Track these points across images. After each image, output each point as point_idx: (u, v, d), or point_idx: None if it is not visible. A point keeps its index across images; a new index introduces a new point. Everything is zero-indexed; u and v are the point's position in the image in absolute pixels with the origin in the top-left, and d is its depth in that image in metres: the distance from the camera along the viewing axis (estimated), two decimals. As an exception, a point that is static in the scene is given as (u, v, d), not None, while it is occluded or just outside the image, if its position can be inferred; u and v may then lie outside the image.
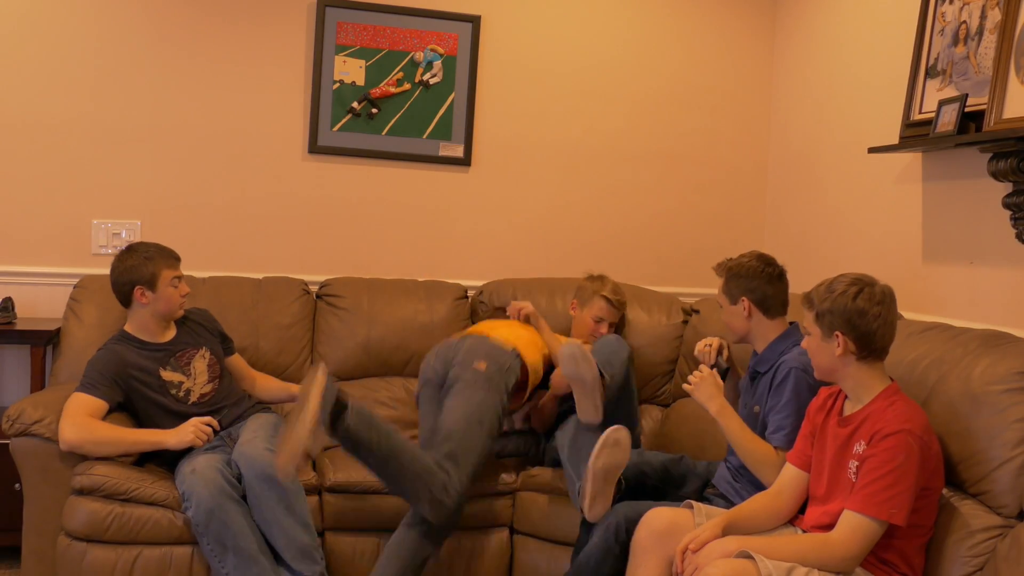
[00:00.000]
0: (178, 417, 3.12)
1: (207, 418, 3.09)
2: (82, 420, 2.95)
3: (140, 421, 3.16)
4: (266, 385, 3.53)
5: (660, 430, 3.74)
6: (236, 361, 3.45)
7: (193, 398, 3.19)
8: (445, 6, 4.08)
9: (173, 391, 3.17)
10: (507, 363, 3.22)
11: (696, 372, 2.82)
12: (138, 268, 3.15)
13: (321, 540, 3.08)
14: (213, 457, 2.96)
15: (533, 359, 3.38)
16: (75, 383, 3.32)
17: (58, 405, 3.02)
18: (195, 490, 2.85)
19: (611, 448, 2.77)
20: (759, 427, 2.79)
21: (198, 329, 3.33)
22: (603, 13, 4.25)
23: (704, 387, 2.79)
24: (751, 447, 2.70)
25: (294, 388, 3.48)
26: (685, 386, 2.83)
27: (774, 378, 2.77)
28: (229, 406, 3.25)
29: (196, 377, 3.22)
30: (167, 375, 3.17)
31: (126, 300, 3.19)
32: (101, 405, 3.02)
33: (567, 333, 3.75)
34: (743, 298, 2.85)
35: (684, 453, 3.17)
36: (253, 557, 2.84)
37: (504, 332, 3.40)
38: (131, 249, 3.21)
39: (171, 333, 3.26)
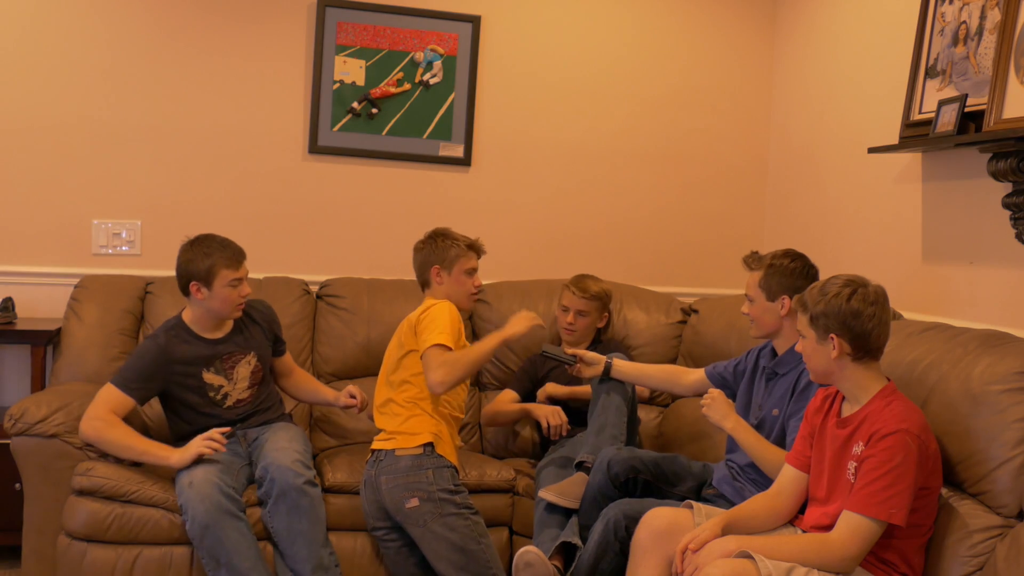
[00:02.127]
0: (208, 418, 3.11)
1: (217, 431, 2.99)
2: (103, 415, 2.95)
3: (169, 413, 3.16)
4: (301, 384, 3.44)
5: (659, 431, 3.74)
6: (285, 360, 3.41)
7: (229, 402, 3.17)
8: (445, 6, 4.08)
9: (211, 393, 3.14)
10: (429, 481, 2.98)
11: (706, 395, 2.86)
12: (196, 262, 3.06)
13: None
14: (211, 470, 2.91)
15: (445, 436, 3.12)
16: (76, 384, 3.35)
17: (60, 403, 3.03)
18: (191, 504, 2.83)
19: (523, 571, 2.82)
20: (778, 431, 2.78)
21: (253, 330, 3.25)
22: (603, 13, 4.25)
23: (716, 407, 2.82)
24: (769, 456, 2.70)
25: (328, 394, 3.42)
26: (702, 409, 2.87)
27: (797, 383, 2.76)
28: (260, 412, 3.24)
29: (237, 383, 3.19)
30: (209, 377, 3.14)
31: (184, 291, 3.12)
32: (128, 403, 3.01)
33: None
34: (784, 297, 2.83)
35: (684, 454, 3.16)
36: (245, 575, 2.84)
37: (395, 417, 3.11)
38: (196, 241, 3.12)
39: (225, 329, 3.19)
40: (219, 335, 3.18)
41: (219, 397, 3.15)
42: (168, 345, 3.08)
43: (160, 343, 3.09)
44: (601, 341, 3.75)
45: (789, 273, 2.84)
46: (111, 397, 2.99)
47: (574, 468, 3.05)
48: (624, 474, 2.87)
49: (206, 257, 3.05)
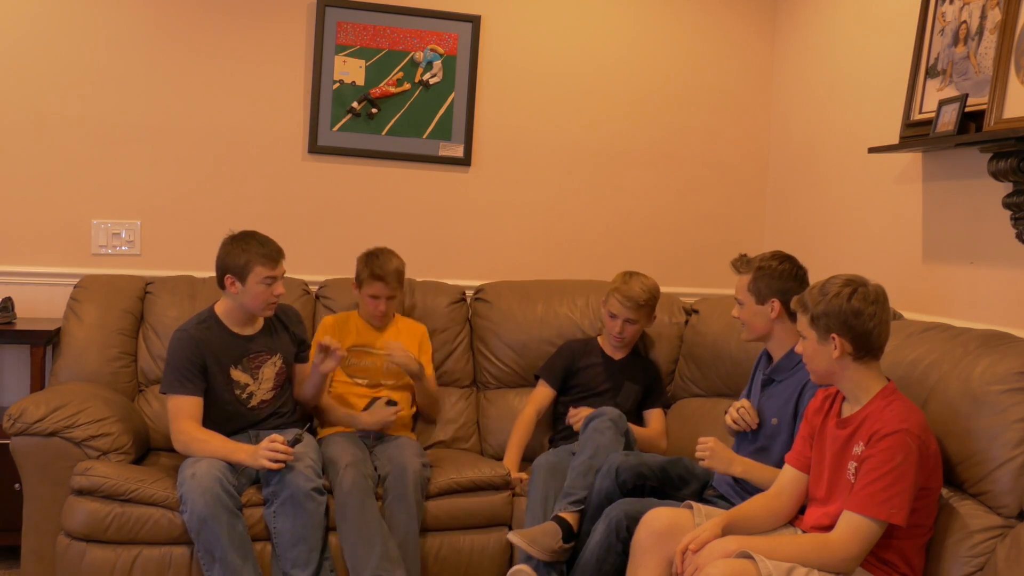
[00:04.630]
0: (230, 417, 3.13)
1: (279, 446, 2.96)
2: (184, 429, 3.01)
3: None
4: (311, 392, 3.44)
5: (660, 430, 3.73)
6: (304, 368, 3.39)
7: (253, 402, 3.20)
8: (445, 6, 4.08)
9: (237, 391, 3.17)
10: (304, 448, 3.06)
11: (701, 445, 2.75)
12: (232, 256, 3.11)
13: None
14: (216, 464, 2.93)
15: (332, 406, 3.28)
16: (76, 383, 3.34)
17: (59, 402, 3.03)
18: (191, 496, 2.84)
19: None
20: (782, 441, 2.75)
21: (280, 332, 3.28)
22: (603, 12, 4.25)
23: (718, 457, 2.74)
24: None
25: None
26: (701, 462, 2.76)
27: (800, 399, 2.73)
28: (278, 415, 3.25)
29: (262, 383, 3.21)
30: (236, 374, 3.16)
31: (220, 284, 3.16)
32: (195, 401, 3.05)
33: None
34: (773, 299, 2.80)
35: (684, 455, 3.15)
36: (238, 572, 2.84)
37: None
38: (237, 236, 3.16)
39: (255, 328, 3.22)
40: (249, 332, 3.21)
41: (244, 396, 3.18)
42: (200, 336, 3.11)
43: (192, 334, 3.11)
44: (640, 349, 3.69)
45: (778, 275, 2.82)
46: (177, 407, 3.04)
47: (551, 519, 2.96)
48: (632, 480, 2.87)
49: (243, 252, 3.10)
